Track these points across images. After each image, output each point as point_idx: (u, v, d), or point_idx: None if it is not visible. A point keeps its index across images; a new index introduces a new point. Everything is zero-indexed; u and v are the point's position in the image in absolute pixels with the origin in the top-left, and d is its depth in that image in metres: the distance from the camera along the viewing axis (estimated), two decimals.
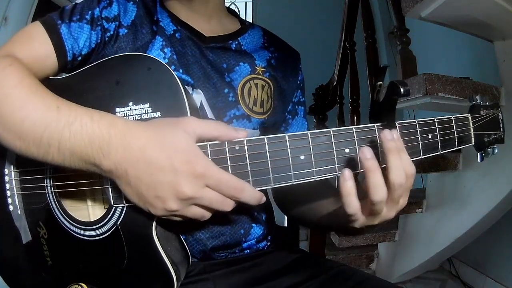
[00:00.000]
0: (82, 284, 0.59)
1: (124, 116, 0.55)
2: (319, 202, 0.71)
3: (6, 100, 0.51)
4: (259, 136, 0.51)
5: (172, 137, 0.48)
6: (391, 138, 0.48)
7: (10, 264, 0.67)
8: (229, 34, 0.77)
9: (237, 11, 0.99)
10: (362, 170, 0.49)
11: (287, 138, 0.50)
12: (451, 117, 0.56)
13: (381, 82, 0.53)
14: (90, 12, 0.66)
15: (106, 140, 0.47)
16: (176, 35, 0.71)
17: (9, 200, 0.64)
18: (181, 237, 0.62)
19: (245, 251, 0.76)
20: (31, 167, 0.60)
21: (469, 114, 0.59)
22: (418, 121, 0.53)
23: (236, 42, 0.77)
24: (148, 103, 0.55)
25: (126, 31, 0.68)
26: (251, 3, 4.54)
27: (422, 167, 1.68)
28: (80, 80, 0.60)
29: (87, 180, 0.57)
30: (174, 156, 0.47)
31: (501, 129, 0.61)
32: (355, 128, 0.51)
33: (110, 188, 0.54)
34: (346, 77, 2.29)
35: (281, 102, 0.80)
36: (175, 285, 0.56)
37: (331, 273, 0.70)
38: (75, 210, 0.61)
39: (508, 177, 1.47)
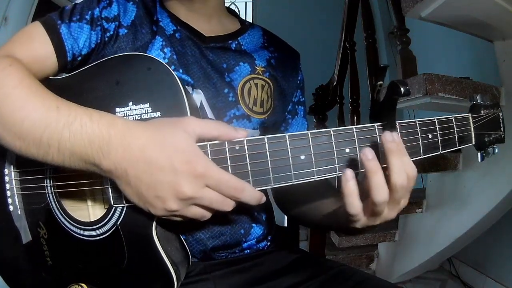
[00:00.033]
0: (82, 284, 0.59)
1: (124, 116, 0.55)
2: (319, 202, 0.71)
3: (6, 100, 0.51)
4: (259, 136, 0.51)
5: (172, 137, 0.48)
6: (392, 140, 0.48)
7: (10, 264, 0.67)
8: (229, 34, 0.77)
9: (237, 11, 0.99)
10: (362, 170, 0.49)
11: (287, 138, 0.50)
12: (451, 117, 0.56)
13: (381, 82, 0.53)
14: (90, 12, 0.66)
15: (106, 140, 0.47)
16: (176, 35, 0.71)
17: (9, 200, 0.64)
18: (181, 237, 0.62)
19: (245, 251, 0.76)
20: (31, 167, 0.60)
21: (470, 114, 0.59)
22: (418, 121, 0.53)
23: (236, 42, 0.77)
24: (148, 103, 0.54)
25: (126, 31, 0.68)
26: (251, 3, 4.54)
27: (422, 167, 1.68)
28: (80, 80, 0.60)
29: (87, 180, 0.57)
30: (174, 156, 0.47)
31: (502, 128, 0.61)
32: (355, 128, 0.51)
33: (110, 188, 0.54)
34: (346, 77, 2.29)
35: (281, 102, 0.80)
36: (175, 285, 0.56)
37: (331, 273, 0.70)
38: (75, 210, 0.61)
39: (508, 177, 1.47)
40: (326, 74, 2.51)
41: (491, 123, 0.60)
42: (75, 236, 0.59)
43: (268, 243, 0.80)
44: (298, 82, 0.85)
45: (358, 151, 0.51)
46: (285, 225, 1.07)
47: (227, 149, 0.50)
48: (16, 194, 0.64)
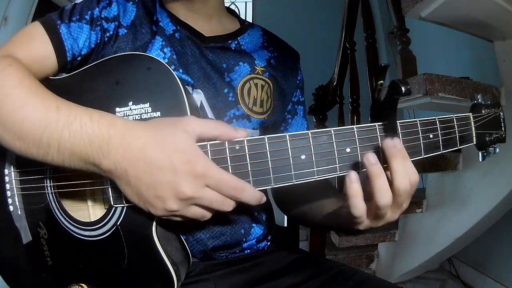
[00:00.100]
0: (82, 284, 0.59)
1: (124, 116, 0.55)
2: (320, 202, 0.71)
3: (6, 101, 0.51)
4: (259, 135, 0.51)
5: (172, 136, 0.47)
6: (393, 145, 0.48)
7: (10, 264, 0.67)
8: (228, 34, 0.77)
9: (237, 11, 0.99)
10: (364, 170, 0.49)
11: (287, 137, 0.50)
12: (452, 117, 0.56)
13: (382, 81, 0.53)
14: (89, 12, 0.66)
15: (106, 140, 0.47)
16: (176, 35, 0.71)
17: (9, 200, 0.64)
18: (182, 237, 0.62)
19: (246, 251, 0.76)
20: (31, 167, 0.60)
21: (471, 114, 0.59)
22: (419, 121, 0.53)
23: (236, 42, 0.77)
24: (148, 103, 0.54)
25: (125, 31, 0.68)
26: (251, 3, 4.54)
27: (422, 167, 1.68)
28: (80, 80, 0.60)
29: (87, 180, 0.56)
30: (174, 155, 0.46)
31: (503, 128, 0.61)
32: (356, 127, 0.51)
33: (110, 188, 0.53)
34: (346, 77, 2.29)
35: (280, 101, 0.80)
36: (175, 285, 0.55)
37: (331, 273, 0.70)
38: (75, 210, 0.61)
39: (508, 177, 1.47)
40: (326, 74, 2.51)
41: (492, 122, 0.60)
42: (75, 236, 0.59)
43: (268, 243, 0.80)
44: (298, 82, 0.85)
45: (359, 151, 0.51)
46: (285, 225, 1.07)
47: (227, 149, 0.50)
48: (16, 194, 0.63)
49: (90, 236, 0.58)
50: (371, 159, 0.48)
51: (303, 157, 0.50)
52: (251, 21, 0.91)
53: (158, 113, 0.54)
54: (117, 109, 0.55)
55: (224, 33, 0.77)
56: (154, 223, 0.54)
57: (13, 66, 0.55)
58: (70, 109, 0.50)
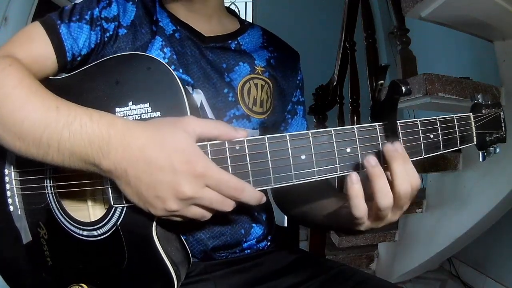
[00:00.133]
0: (83, 284, 0.59)
1: (124, 116, 0.55)
2: (320, 202, 0.71)
3: (6, 101, 0.51)
4: (259, 136, 0.51)
5: (172, 136, 0.47)
6: (394, 149, 0.48)
7: (10, 264, 0.67)
8: (228, 34, 0.77)
9: (237, 11, 0.99)
10: (364, 170, 0.49)
11: (287, 137, 0.50)
12: (453, 116, 0.56)
13: (382, 81, 0.53)
14: (89, 12, 0.66)
15: (106, 140, 0.47)
16: (176, 35, 0.71)
17: (9, 201, 0.64)
18: (182, 237, 0.62)
19: (246, 251, 0.76)
20: (31, 168, 0.60)
21: (471, 113, 0.59)
22: (419, 121, 0.53)
23: (236, 42, 0.77)
24: (148, 103, 0.54)
25: (125, 31, 0.68)
26: (251, 3, 4.54)
27: (422, 167, 1.68)
28: (80, 80, 0.60)
29: (87, 180, 0.56)
30: (174, 155, 0.46)
31: (503, 128, 0.61)
32: (356, 127, 0.51)
33: (110, 188, 0.53)
34: (346, 77, 2.29)
35: (280, 102, 0.80)
36: (175, 285, 0.55)
37: (331, 273, 0.70)
38: (75, 210, 0.61)
39: (508, 177, 1.47)
40: (326, 74, 2.51)
41: (493, 122, 0.60)
42: (75, 237, 0.59)
43: (268, 243, 0.80)
44: (298, 82, 0.85)
45: (359, 151, 0.51)
46: (285, 225, 1.07)
47: (227, 149, 0.50)
48: (16, 194, 0.63)
49: (90, 236, 0.58)
50: (371, 161, 0.48)
51: (303, 157, 0.50)
52: (251, 21, 0.91)
53: (158, 113, 0.54)
54: (117, 109, 0.55)
55: (224, 33, 0.77)
56: (154, 223, 0.54)
57: (13, 66, 0.55)
58: (70, 109, 0.50)
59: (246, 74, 0.74)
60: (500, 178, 1.51)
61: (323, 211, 0.68)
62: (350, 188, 0.48)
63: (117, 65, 0.57)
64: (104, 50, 0.67)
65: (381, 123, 0.51)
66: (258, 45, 0.80)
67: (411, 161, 0.51)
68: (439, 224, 1.85)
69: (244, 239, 0.74)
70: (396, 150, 0.48)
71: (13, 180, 0.63)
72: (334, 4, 3.56)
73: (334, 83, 2.32)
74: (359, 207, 0.49)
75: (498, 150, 0.60)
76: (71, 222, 0.60)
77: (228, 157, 0.50)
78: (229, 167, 0.50)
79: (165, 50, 0.68)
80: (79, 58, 0.66)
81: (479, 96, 0.60)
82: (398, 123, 0.52)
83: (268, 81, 0.77)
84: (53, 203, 0.61)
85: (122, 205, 0.54)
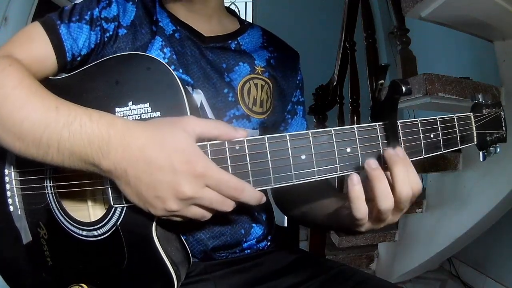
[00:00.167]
0: (83, 284, 0.59)
1: (123, 116, 0.55)
2: (320, 202, 0.71)
3: (5, 101, 0.51)
4: (259, 135, 0.51)
5: (172, 136, 0.47)
6: (395, 153, 0.48)
7: (10, 264, 0.67)
8: (228, 34, 0.77)
9: (237, 11, 0.99)
10: (364, 165, 0.49)
11: (287, 137, 0.50)
12: (453, 116, 0.56)
13: (382, 81, 0.53)
14: (89, 13, 0.66)
15: (106, 140, 0.47)
16: (176, 35, 0.71)
17: (9, 201, 0.64)
18: (182, 237, 0.62)
19: (246, 251, 0.76)
20: (31, 168, 0.60)
21: (471, 113, 0.59)
22: (420, 120, 0.53)
23: (236, 42, 0.77)
24: (148, 103, 0.54)
25: (125, 31, 0.68)
26: (251, 3, 4.54)
27: (422, 167, 1.68)
28: (80, 80, 0.60)
29: (87, 180, 0.56)
30: (173, 155, 0.46)
31: (503, 128, 0.60)
32: (356, 127, 0.51)
33: (110, 188, 0.53)
34: (346, 77, 2.29)
35: (280, 102, 0.80)
36: (175, 285, 0.55)
37: (331, 273, 0.70)
38: (75, 210, 0.61)
39: (508, 177, 1.47)
40: (326, 74, 2.51)
41: (493, 122, 0.59)
42: (75, 237, 0.59)
43: (268, 243, 0.80)
44: (298, 82, 0.85)
45: (359, 151, 0.51)
46: (285, 225, 1.07)
47: (227, 149, 0.50)
48: (16, 194, 0.63)
49: (90, 236, 0.58)
50: (372, 163, 0.48)
51: (303, 157, 0.50)
52: (251, 21, 0.91)
53: (158, 113, 0.54)
54: (117, 109, 0.55)
55: (224, 33, 0.77)
56: (154, 223, 0.54)
57: (13, 67, 0.55)
58: (70, 109, 0.50)
59: (246, 74, 0.74)
60: (500, 178, 1.51)
61: (323, 211, 0.68)
62: (351, 190, 0.48)
63: (117, 65, 0.57)
64: (104, 50, 0.67)
65: (381, 123, 0.51)
66: (258, 45, 0.80)
67: (412, 161, 0.51)
68: (439, 224, 1.85)
69: (244, 239, 0.74)
70: (397, 155, 0.48)
71: (13, 180, 0.63)
72: (334, 4, 3.56)
73: (334, 83, 2.32)
74: (360, 209, 0.49)
75: (498, 149, 0.60)
76: (71, 222, 0.60)
77: (228, 157, 0.50)
78: (229, 167, 0.50)
79: (165, 50, 0.68)
80: (79, 58, 0.66)
81: (479, 96, 0.60)
82: (398, 123, 0.52)
83: (268, 81, 0.77)
84: (53, 203, 0.61)
85: (122, 205, 0.54)
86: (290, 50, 0.86)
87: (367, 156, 0.51)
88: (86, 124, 0.48)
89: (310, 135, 0.50)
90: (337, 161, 0.51)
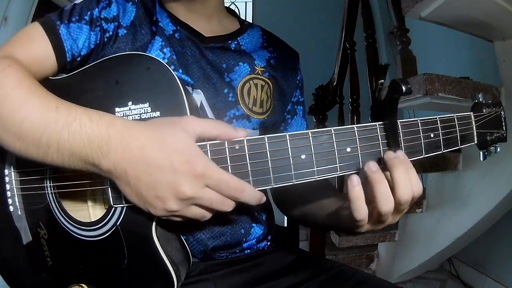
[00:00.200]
0: (83, 284, 0.59)
1: (123, 116, 0.55)
2: (319, 202, 0.71)
3: (5, 101, 0.51)
4: (259, 136, 0.51)
5: (172, 136, 0.47)
6: (396, 156, 0.48)
7: (10, 264, 0.67)
8: (228, 34, 0.77)
9: (237, 11, 0.99)
10: (364, 168, 0.49)
11: (287, 137, 0.50)
12: (453, 116, 0.56)
13: (382, 80, 0.53)
14: (89, 13, 0.66)
15: (105, 140, 0.47)
16: (176, 35, 0.71)
17: (10, 201, 0.64)
18: (182, 237, 0.62)
19: (246, 251, 0.76)
20: (31, 168, 0.60)
21: (472, 113, 0.59)
22: (420, 120, 0.53)
23: (236, 42, 0.77)
24: (148, 103, 0.54)
25: (125, 31, 0.68)
26: (251, 3, 4.54)
27: (422, 167, 1.68)
28: (79, 80, 0.60)
29: (87, 180, 0.56)
30: (173, 155, 0.46)
31: (504, 127, 0.60)
32: (356, 127, 0.51)
33: (109, 189, 0.53)
34: (346, 77, 2.29)
35: (280, 102, 0.80)
36: (175, 285, 0.55)
37: (331, 273, 0.70)
38: (75, 210, 0.61)
39: (508, 177, 1.47)
40: (326, 74, 2.51)
41: (493, 121, 0.59)
42: (75, 237, 0.59)
43: (268, 243, 0.80)
44: (297, 82, 0.85)
45: (359, 151, 0.51)
46: (285, 225, 1.07)
47: (227, 149, 0.50)
48: (16, 195, 0.63)
49: (90, 237, 0.58)
50: (372, 166, 0.48)
51: (303, 156, 0.50)
52: (251, 21, 0.90)
53: (158, 113, 0.54)
54: (117, 109, 0.55)
55: (224, 33, 0.77)
56: (154, 223, 0.54)
57: (13, 67, 0.55)
58: (70, 109, 0.50)
59: (246, 74, 0.74)
60: (500, 178, 1.51)
61: (323, 211, 0.68)
62: (351, 191, 0.48)
63: (116, 65, 0.57)
64: (103, 51, 0.67)
65: (381, 123, 0.51)
66: (258, 45, 0.80)
67: (412, 160, 0.51)
68: (439, 224, 1.85)
69: (244, 239, 0.74)
70: (397, 157, 0.48)
71: (13, 181, 0.63)
72: (334, 4, 3.56)
73: (334, 83, 2.32)
74: (360, 210, 0.49)
75: (499, 149, 0.60)
76: (71, 222, 0.60)
77: (228, 157, 0.50)
78: (229, 167, 0.50)
79: (164, 50, 0.68)
80: (78, 59, 0.66)
81: (479, 95, 0.60)
82: (399, 123, 0.51)
83: (268, 81, 0.77)
84: (53, 203, 0.61)
85: (122, 205, 0.54)
86: (290, 50, 0.86)
87: (367, 156, 0.51)
88: (86, 124, 0.48)
89: (310, 134, 0.50)
90: (337, 160, 0.50)
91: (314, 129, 0.50)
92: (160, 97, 0.54)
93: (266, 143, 0.50)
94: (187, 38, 0.72)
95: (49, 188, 0.61)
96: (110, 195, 0.53)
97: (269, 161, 0.50)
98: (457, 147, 0.57)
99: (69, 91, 0.58)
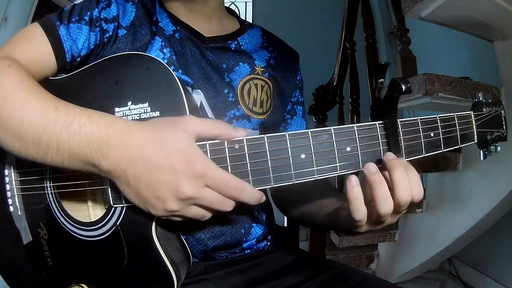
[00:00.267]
0: (83, 284, 0.59)
1: (123, 116, 0.54)
2: (319, 202, 0.71)
3: (5, 102, 0.51)
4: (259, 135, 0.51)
5: (171, 136, 0.47)
6: (395, 157, 0.48)
7: (10, 265, 0.67)
8: (228, 34, 0.77)
9: (237, 11, 0.99)
10: (363, 169, 0.49)
11: (287, 136, 0.50)
12: (453, 115, 0.56)
13: (382, 80, 0.53)
14: (89, 13, 0.66)
15: (105, 140, 0.47)
16: (176, 35, 0.71)
17: (10, 201, 0.64)
18: (182, 237, 0.62)
19: (246, 251, 0.76)
20: (31, 168, 0.60)
21: (472, 112, 0.59)
22: (420, 119, 0.53)
23: (236, 42, 0.77)
24: (147, 103, 0.54)
25: (125, 32, 0.68)
26: (251, 3, 4.54)
27: (422, 167, 1.68)
28: (79, 80, 0.60)
29: (87, 180, 0.56)
30: (173, 155, 0.46)
31: (504, 126, 0.60)
32: (356, 126, 0.51)
33: (109, 189, 0.53)
34: (346, 77, 2.29)
35: (280, 102, 0.80)
36: (175, 285, 0.55)
37: (331, 273, 0.70)
38: (75, 210, 0.60)
39: (508, 177, 1.47)
40: (326, 74, 2.51)
41: (494, 120, 0.59)
42: (75, 237, 0.59)
43: (268, 243, 0.80)
44: (297, 82, 0.85)
45: (359, 150, 0.51)
46: (285, 225, 1.07)
47: (226, 149, 0.50)
48: (16, 195, 0.63)
49: (90, 237, 0.58)
50: (371, 168, 0.48)
51: (303, 156, 0.50)
52: (251, 21, 0.90)
53: (157, 113, 0.54)
54: (116, 109, 0.55)
55: (224, 33, 0.77)
56: (154, 223, 0.54)
57: (12, 68, 0.55)
58: (69, 109, 0.50)
59: (246, 74, 0.74)
60: (500, 178, 1.51)
61: (323, 211, 0.68)
62: (350, 191, 0.48)
63: (116, 65, 0.57)
64: (103, 51, 0.67)
65: (381, 122, 0.51)
66: (258, 45, 0.80)
67: (412, 160, 0.51)
68: (439, 224, 1.85)
69: (244, 239, 0.74)
70: (397, 158, 0.48)
71: (13, 181, 0.63)
72: (334, 4, 3.56)
73: (334, 83, 2.32)
74: (359, 210, 0.49)
75: (499, 148, 0.60)
76: (71, 222, 0.59)
77: (228, 157, 0.50)
78: (229, 166, 0.50)
79: (164, 50, 0.68)
80: (78, 59, 0.66)
81: (480, 95, 0.60)
82: (398, 122, 0.51)
83: (268, 81, 0.77)
84: (53, 204, 0.61)
85: (122, 205, 0.54)
86: (290, 50, 0.86)
87: (367, 155, 0.51)
88: (85, 124, 0.48)
89: (310, 134, 0.50)
90: (337, 160, 0.50)
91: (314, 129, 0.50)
92: (160, 97, 0.54)
93: (266, 143, 0.50)
94: (187, 38, 0.72)
95: (49, 188, 0.61)
96: (110, 195, 0.53)
97: (269, 160, 0.50)
98: (457, 146, 0.57)
99: (69, 91, 0.58)
